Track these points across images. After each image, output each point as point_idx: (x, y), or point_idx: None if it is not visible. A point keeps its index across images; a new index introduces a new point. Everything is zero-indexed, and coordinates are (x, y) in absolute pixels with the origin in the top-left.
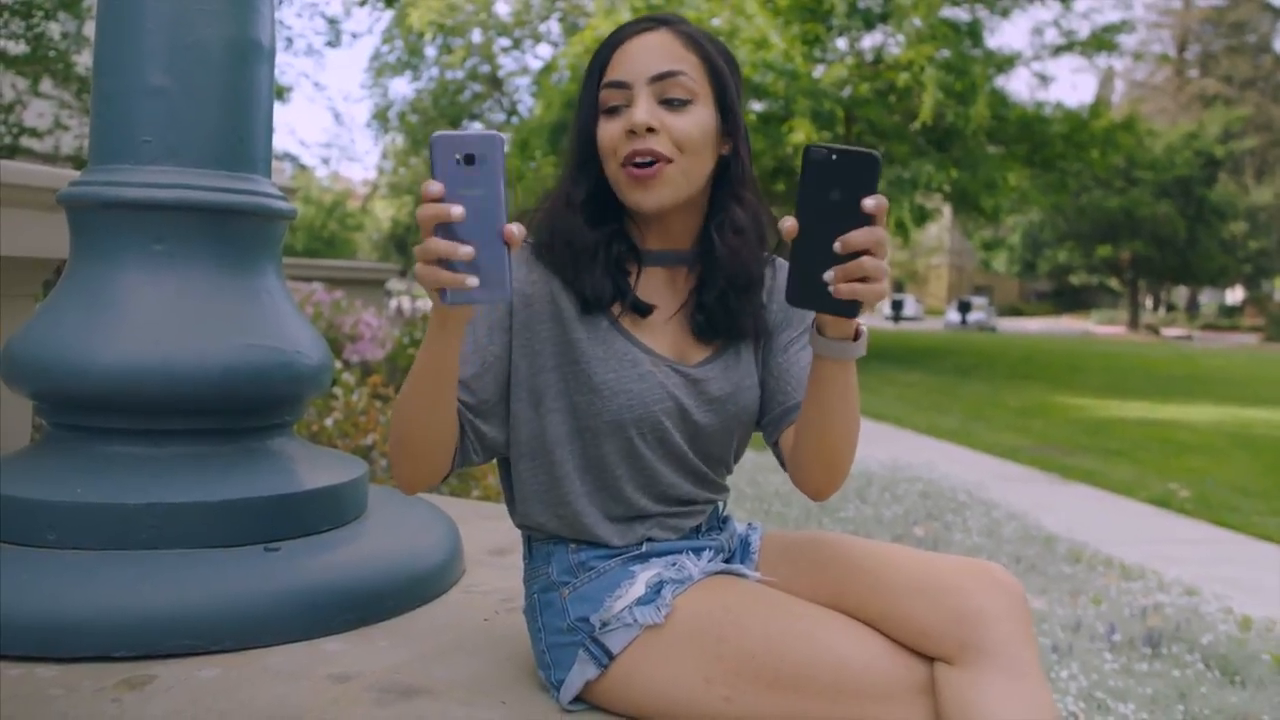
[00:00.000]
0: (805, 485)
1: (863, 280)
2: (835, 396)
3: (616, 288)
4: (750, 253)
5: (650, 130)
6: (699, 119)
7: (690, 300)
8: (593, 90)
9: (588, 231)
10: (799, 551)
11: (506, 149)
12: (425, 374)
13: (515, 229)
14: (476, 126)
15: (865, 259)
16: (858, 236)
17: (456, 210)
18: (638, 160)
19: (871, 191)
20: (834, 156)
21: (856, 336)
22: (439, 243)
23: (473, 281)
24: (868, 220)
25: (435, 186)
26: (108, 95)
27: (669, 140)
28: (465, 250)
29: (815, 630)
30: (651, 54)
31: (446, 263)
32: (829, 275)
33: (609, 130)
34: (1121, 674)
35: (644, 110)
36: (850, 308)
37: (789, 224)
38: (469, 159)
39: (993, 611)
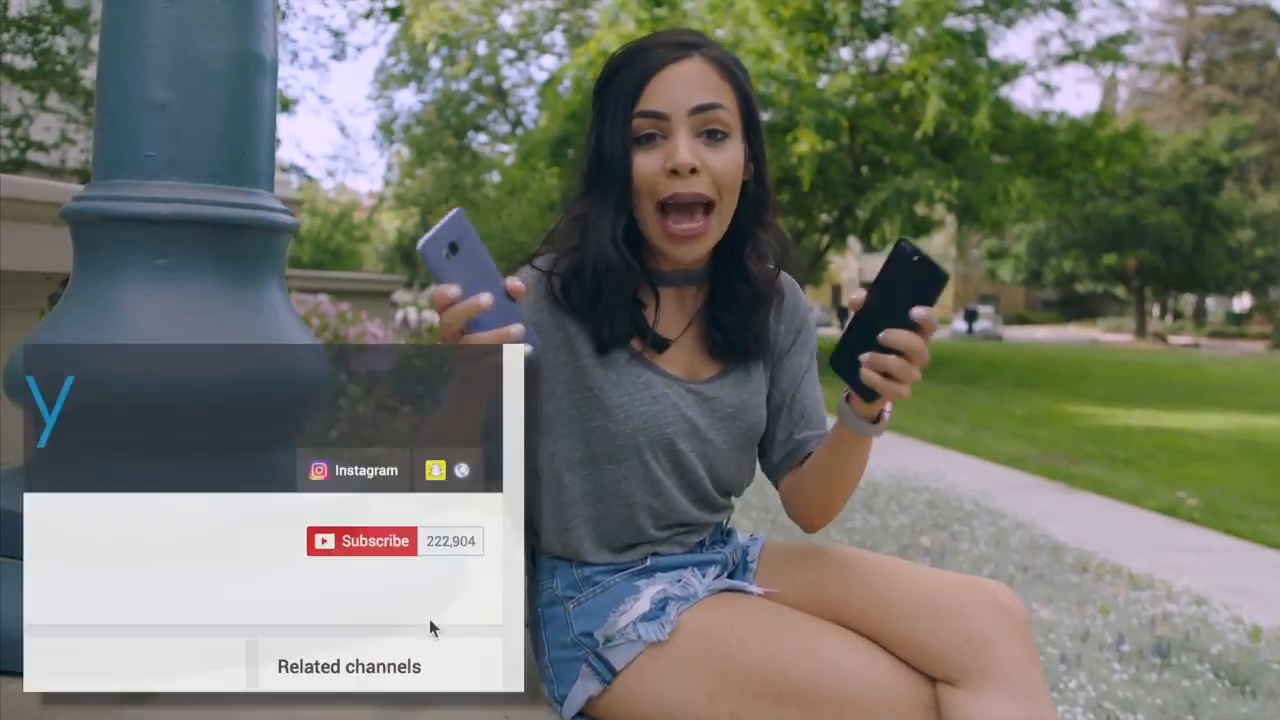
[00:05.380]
0: (798, 519)
1: (886, 375)
2: (847, 460)
3: (635, 325)
4: (771, 274)
5: (693, 171)
6: (734, 154)
7: (700, 317)
8: (623, 117)
9: (626, 272)
10: (799, 563)
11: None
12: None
13: (515, 283)
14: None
15: (893, 358)
16: (898, 337)
17: (485, 298)
18: (680, 204)
19: (928, 304)
20: (915, 258)
21: (878, 420)
22: (481, 337)
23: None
24: (915, 326)
25: (452, 289)
26: (111, 110)
27: (710, 181)
28: (506, 332)
29: (820, 646)
30: (690, 85)
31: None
32: (865, 357)
33: (647, 164)
34: (1130, 684)
35: (686, 149)
36: (869, 391)
37: (859, 297)
38: (453, 247)
39: (994, 636)
